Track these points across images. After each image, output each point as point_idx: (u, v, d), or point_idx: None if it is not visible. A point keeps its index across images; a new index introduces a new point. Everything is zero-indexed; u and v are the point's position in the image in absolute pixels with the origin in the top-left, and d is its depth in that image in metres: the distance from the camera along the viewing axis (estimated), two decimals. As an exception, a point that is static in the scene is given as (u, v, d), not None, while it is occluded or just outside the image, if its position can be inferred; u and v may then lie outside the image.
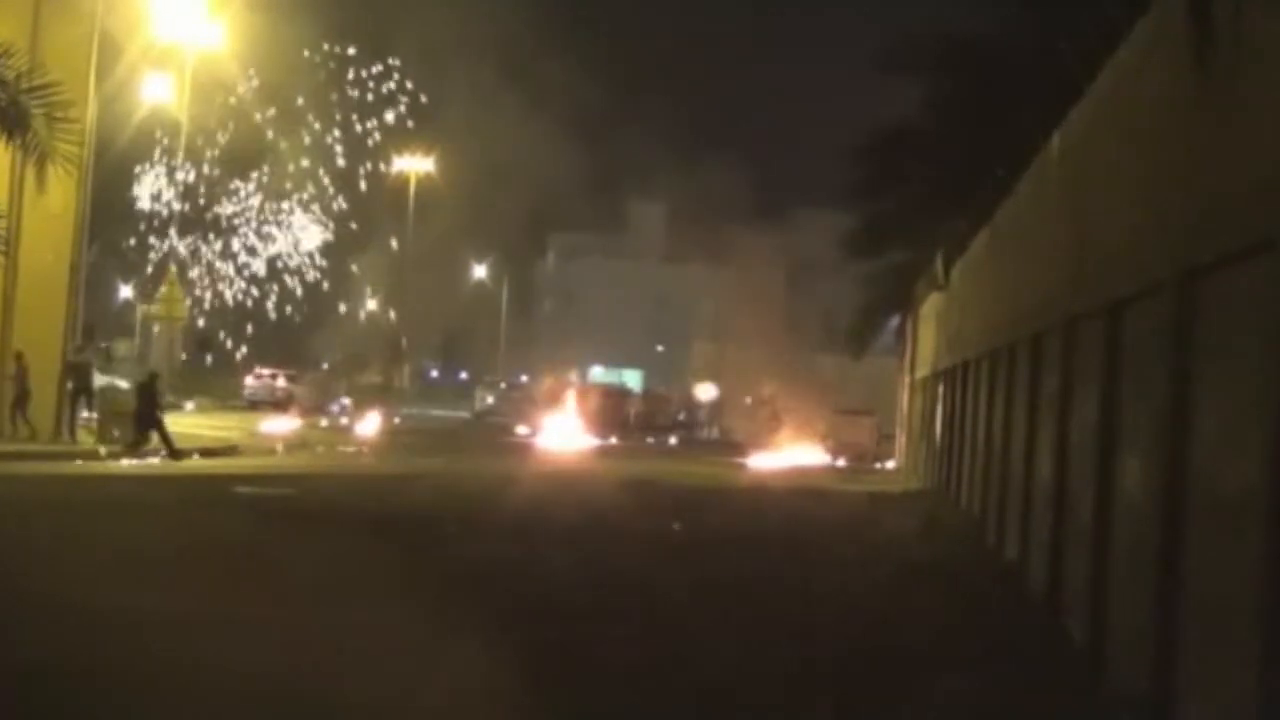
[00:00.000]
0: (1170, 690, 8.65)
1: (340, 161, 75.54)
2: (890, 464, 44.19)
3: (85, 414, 32.44)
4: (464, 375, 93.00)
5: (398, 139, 76.16)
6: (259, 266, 75.90)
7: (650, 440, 55.00)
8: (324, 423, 52.52)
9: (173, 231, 61.59)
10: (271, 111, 70.47)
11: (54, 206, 28.72)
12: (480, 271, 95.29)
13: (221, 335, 74.00)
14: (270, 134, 72.34)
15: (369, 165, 76.90)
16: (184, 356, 46.01)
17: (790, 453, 44.77)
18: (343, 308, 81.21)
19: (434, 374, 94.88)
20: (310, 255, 76.49)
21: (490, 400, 73.99)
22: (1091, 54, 13.06)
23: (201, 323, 72.12)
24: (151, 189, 70.68)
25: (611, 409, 59.91)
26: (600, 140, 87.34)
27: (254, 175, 73.81)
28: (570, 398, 58.83)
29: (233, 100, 66.07)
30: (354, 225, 77.47)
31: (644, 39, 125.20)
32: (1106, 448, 11.10)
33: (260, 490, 23.42)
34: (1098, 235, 12.18)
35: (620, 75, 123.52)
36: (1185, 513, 8.69)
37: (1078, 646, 11.52)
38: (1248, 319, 7.61)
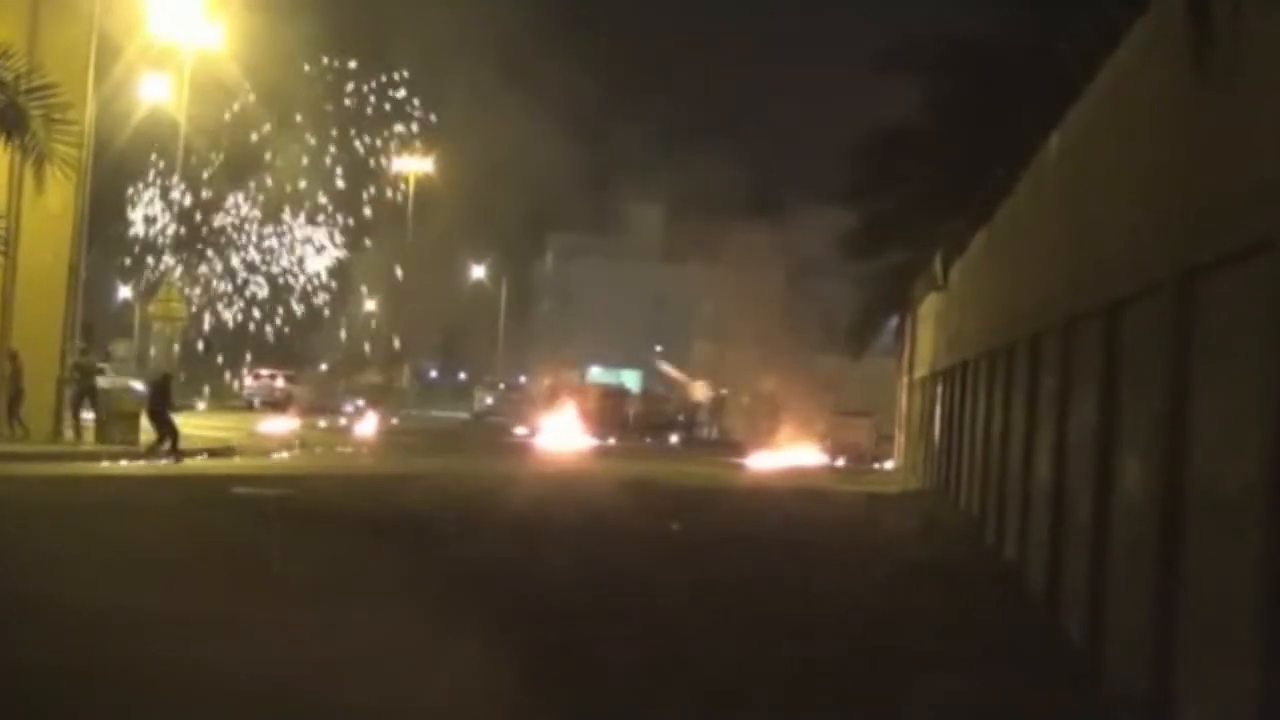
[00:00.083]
0: (1169, 690, 8.65)
1: (340, 183, 74.18)
2: (889, 464, 44.19)
3: (87, 415, 32.49)
4: (463, 376, 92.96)
5: (398, 141, 76.18)
6: (261, 284, 74.04)
7: (649, 440, 54.98)
8: (322, 423, 52.51)
9: (167, 257, 60.83)
10: (267, 127, 69.57)
11: (53, 207, 28.72)
12: (479, 272, 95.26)
13: (220, 359, 72.76)
14: (269, 154, 71.21)
15: (372, 189, 75.52)
16: (176, 348, 45.03)
17: (789, 453, 44.76)
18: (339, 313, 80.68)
19: (433, 374, 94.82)
20: (317, 275, 74.56)
21: (489, 401, 73.99)
22: (1091, 54, 13.06)
23: (201, 346, 70.48)
24: (146, 211, 68.97)
25: (610, 409, 59.91)
26: (599, 140, 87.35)
27: (252, 187, 72.55)
28: (569, 398, 58.83)
29: (227, 116, 65.29)
30: (367, 242, 76.10)
31: (643, 39, 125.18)
32: (1105, 447, 11.10)
33: (259, 491, 23.39)
34: (1096, 235, 12.18)
35: (619, 75, 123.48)
36: (1184, 513, 8.69)
37: (1077, 646, 11.52)
38: (1247, 319, 7.61)
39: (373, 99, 75.66)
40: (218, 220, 72.30)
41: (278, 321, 73.69)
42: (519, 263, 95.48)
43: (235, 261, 73.69)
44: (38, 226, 29.68)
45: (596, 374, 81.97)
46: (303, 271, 74.63)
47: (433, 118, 76.20)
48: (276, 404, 59.21)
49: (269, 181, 72.59)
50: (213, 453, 32.29)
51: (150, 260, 69.14)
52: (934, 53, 21.51)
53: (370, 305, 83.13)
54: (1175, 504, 8.81)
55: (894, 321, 44.21)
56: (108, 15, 32.80)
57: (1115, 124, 11.72)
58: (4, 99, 22.69)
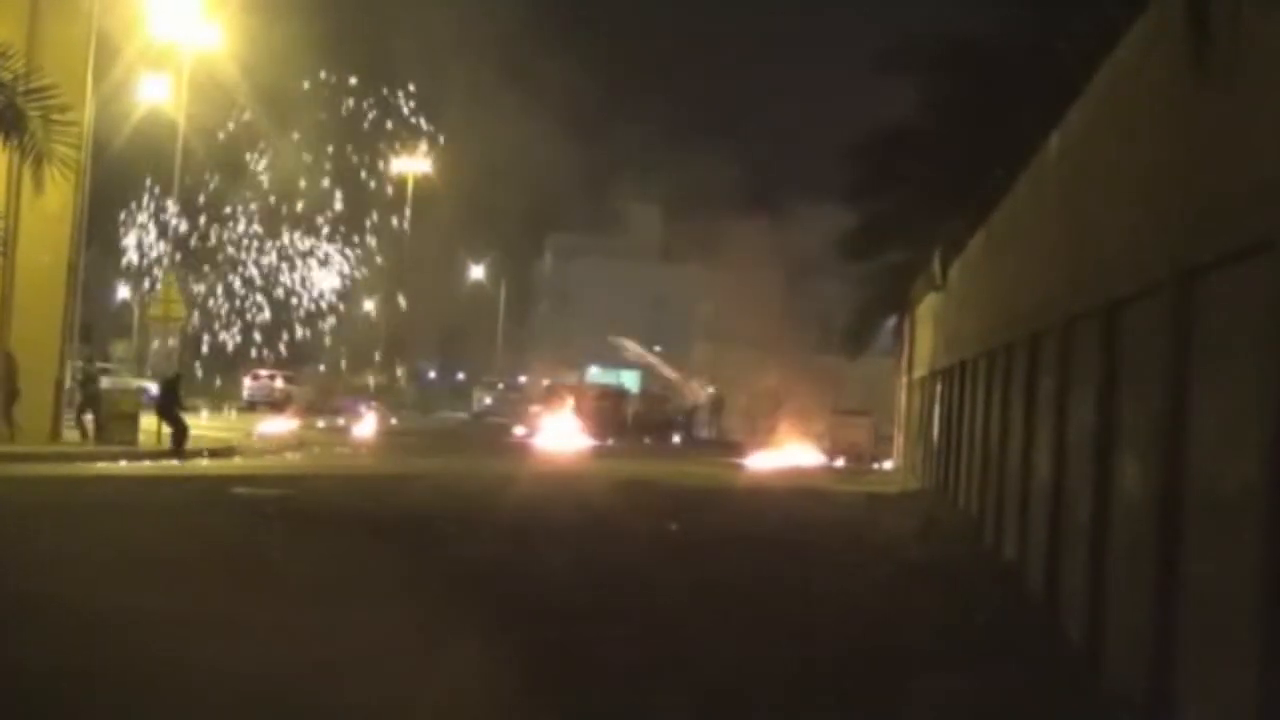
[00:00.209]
0: (1168, 690, 8.65)
1: (340, 198, 72.77)
2: (887, 464, 44.20)
3: (88, 417, 32.63)
4: (461, 376, 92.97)
5: (396, 141, 76.00)
6: (261, 304, 72.15)
7: (647, 440, 54.95)
8: (321, 423, 52.51)
9: (164, 264, 59.87)
10: (261, 146, 68.36)
11: (51, 207, 28.71)
12: (478, 272, 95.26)
13: (218, 383, 71.16)
14: (264, 159, 69.97)
15: (374, 216, 74.04)
16: (172, 343, 44.19)
17: (788, 453, 44.76)
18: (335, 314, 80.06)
19: (431, 375, 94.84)
20: (322, 295, 72.69)
21: (488, 401, 73.99)
22: (1090, 54, 13.06)
23: (200, 372, 68.92)
24: (139, 234, 67.13)
25: (609, 410, 59.90)
26: (598, 140, 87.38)
27: (247, 195, 70.97)
28: (567, 398, 58.83)
29: (222, 136, 64.38)
30: (378, 259, 74.73)
31: (642, 39, 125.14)
32: (1104, 447, 11.10)
33: (258, 491, 23.41)
34: (1096, 235, 12.18)
35: (619, 75, 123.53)
36: (1183, 512, 8.69)
37: (1076, 646, 11.52)
38: (1246, 319, 7.61)
39: (373, 113, 74.60)
40: (215, 237, 70.40)
41: (280, 348, 71.82)
42: (518, 263, 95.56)
43: (234, 281, 71.63)
44: (36, 227, 29.68)
45: (595, 374, 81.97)
46: (306, 289, 72.61)
47: (424, 124, 75.58)
48: (276, 404, 59.20)
49: (271, 199, 71.20)
50: (213, 453, 32.32)
51: (146, 284, 67.61)
52: (933, 53, 21.54)
53: (369, 305, 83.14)
54: (1174, 504, 8.81)
55: (893, 321, 44.22)
56: (106, 15, 32.80)
57: (1114, 123, 11.72)
58: (3, 99, 22.69)
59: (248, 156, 68.39)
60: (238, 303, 71.99)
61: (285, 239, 71.38)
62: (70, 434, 31.86)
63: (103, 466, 27.87)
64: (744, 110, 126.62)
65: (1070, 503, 12.54)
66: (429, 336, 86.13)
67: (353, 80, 72.44)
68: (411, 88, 74.63)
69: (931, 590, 15.43)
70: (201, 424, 40.88)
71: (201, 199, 67.07)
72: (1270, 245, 7.02)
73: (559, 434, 49.84)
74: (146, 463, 29.62)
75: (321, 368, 77.74)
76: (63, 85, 24.46)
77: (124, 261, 67.10)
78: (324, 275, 72.86)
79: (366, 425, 49.97)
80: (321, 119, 72.08)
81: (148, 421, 33.10)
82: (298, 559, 15.56)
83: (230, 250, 71.21)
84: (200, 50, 43.44)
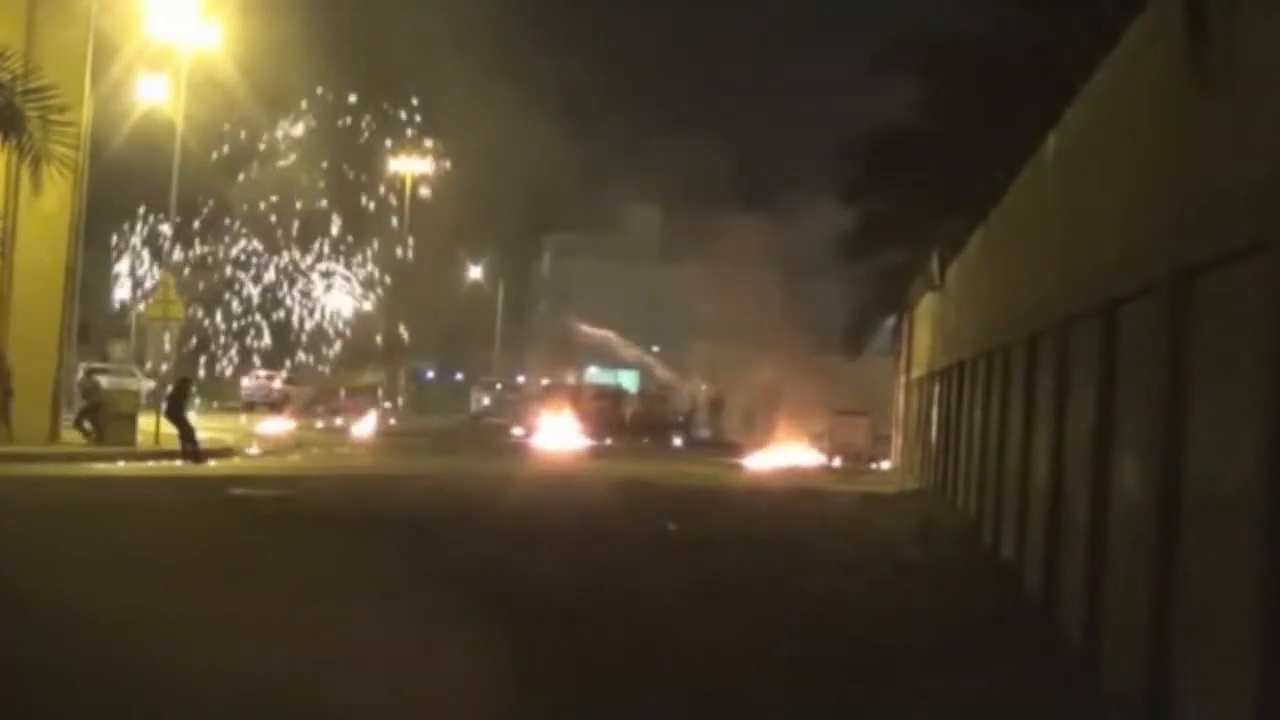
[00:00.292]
0: (1167, 690, 8.66)
1: (336, 227, 70.95)
2: (885, 464, 44.21)
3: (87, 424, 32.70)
4: (459, 376, 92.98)
5: (393, 140, 75.81)
6: (261, 327, 69.98)
7: (646, 440, 54.93)
8: (319, 424, 52.52)
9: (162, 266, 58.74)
10: (254, 169, 66.91)
11: (49, 208, 28.72)
12: (476, 273, 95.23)
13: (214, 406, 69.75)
14: (263, 194, 68.38)
15: (375, 244, 72.30)
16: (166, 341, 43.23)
17: (786, 453, 44.76)
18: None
19: (429, 375, 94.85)
20: (335, 315, 70.49)
21: (486, 401, 74.01)
22: (1087, 54, 13.06)
23: (196, 398, 66.35)
24: (131, 261, 65.26)
25: (607, 410, 59.91)
26: (596, 141, 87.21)
27: (242, 215, 68.88)
28: (565, 399, 58.82)
29: (215, 157, 63.47)
30: (387, 279, 73.12)
31: (641, 39, 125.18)
32: (1102, 447, 11.10)
33: (256, 491, 23.42)
34: (1094, 235, 12.19)
35: (616, 76, 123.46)
36: (1181, 512, 8.69)
37: (1074, 646, 11.52)
38: (1243, 319, 7.62)
39: (369, 131, 73.29)
40: (210, 252, 68.18)
41: (284, 375, 69.87)
42: (516, 263, 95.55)
43: (233, 301, 69.48)
44: (34, 227, 29.69)
45: (594, 374, 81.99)
46: (308, 308, 70.34)
47: (420, 123, 75.01)
48: (274, 405, 59.18)
49: (272, 217, 69.39)
50: (211, 453, 32.31)
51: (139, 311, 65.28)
52: (931, 52, 21.51)
53: (367, 306, 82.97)
54: (1172, 503, 8.81)
55: (891, 321, 44.24)
56: (104, 16, 32.80)
57: (1112, 123, 11.73)
58: (1, 99, 22.70)
59: (241, 176, 67.04)
60: (235, 325, 70.08)
61: (285, 256, 69.53)
62: (68, 434, 31.85)
63: (101, 467, 27.87)
64: (742, 109, 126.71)
65: (1068, 502, 12.55)
66: (428, 337, 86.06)
67: (351, 98, 71.41)
68: (414, 101, 73.75)
69: (930, 590, 15.44)
70: (199, 424, 40.86)
71: (196, 224, 65.07)
72: (1266, 245, 7.03)
73: (557, 434, 49.85)
74: (149, 463, 29.67)
75: (320, 368, 77.60)
76: (61, 86, 24.46)
77: (114, 298, 64.87)
78: (331, 297, 71.01)
79: (365, 425, 49.96)
80: (317, 130, 71.31)
81: (146, 422, 33.14)
82: (296, 559, 15.56)
83: (228, 270, 69.23)
84: (198, 51, 43.39)
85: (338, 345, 71.51)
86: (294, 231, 69.11)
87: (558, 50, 73.46)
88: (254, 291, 70.57)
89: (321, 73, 71.60)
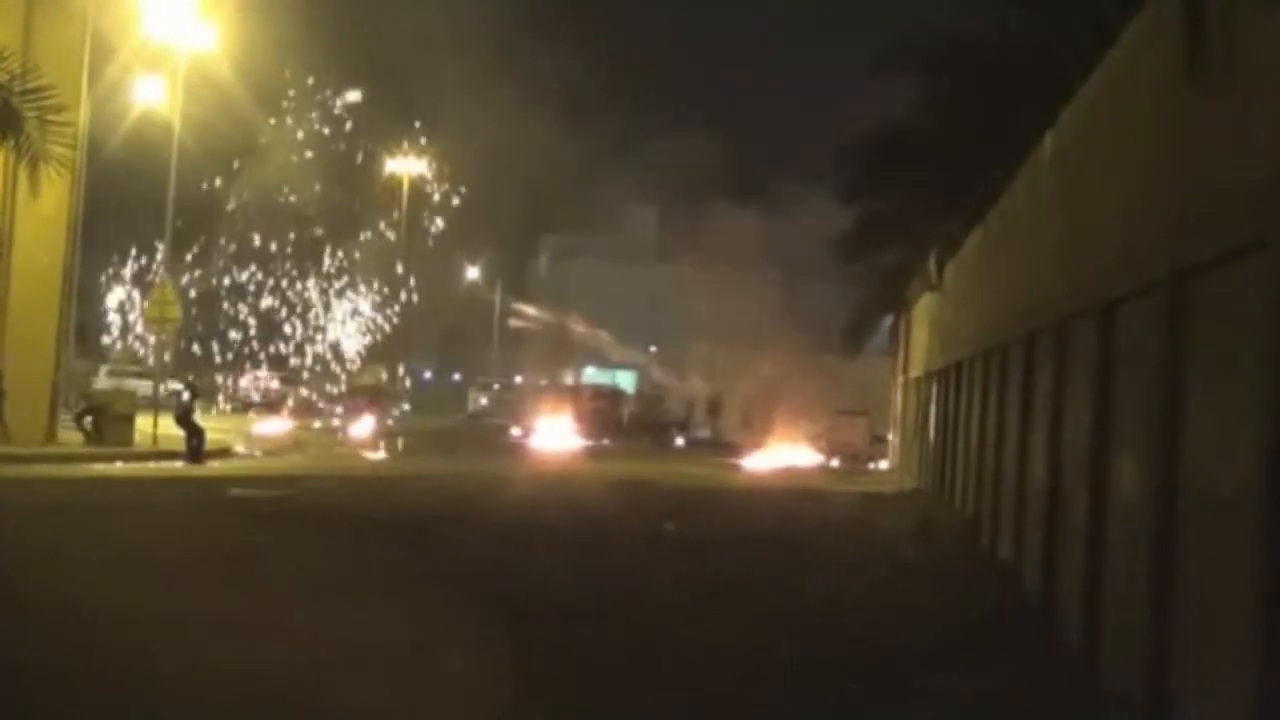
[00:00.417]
0: (1165, 690, 8.67)
1: (332, 256, 68.94)
2: (883, 464, 44.22)
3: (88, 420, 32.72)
4: (457, 376, 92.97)
5: (390, 140, 75.53)
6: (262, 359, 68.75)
7: (646, 440, 54.90)
8: (318, 424, 52.51)
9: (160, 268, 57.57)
10: (245, 196, 65.56)
11: (47, 209, 28.72)
12: (473, 273, 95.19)
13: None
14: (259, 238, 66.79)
15: (374, 286, 70.44)
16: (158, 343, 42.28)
17: (784, 453, 44.77)
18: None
19: (427, 375, 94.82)
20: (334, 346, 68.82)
21: (484, 401, 73.96)
22: (1085, 53, 13.07)
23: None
24: (121, 298, 63.50)
25: (605, 410, 59.91)
26: (593, 141, 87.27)
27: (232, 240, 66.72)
28: (563, 399, 58.82)
29: (204, 185, 62.48)
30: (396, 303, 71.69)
31: (640, 38, 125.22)
32: (1101, 447, 11.11)
33: (255, 492, 23.42)
34: (1091, 234, 12.19)
35: (614, 76, 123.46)
36: (1180, 512, 8.70)
37: (1073, 646, 11.53)
38: (1241, 318, 7.63)
39: (363, 152, 71.96)
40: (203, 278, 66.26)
41: (282, 376, 68.39)
42: (514, 264, 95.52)
43: (230, 332, 66.41)
44: (32, 228, 29.68)
45: (591, 374, 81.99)
46: (307, 336, 68.28)
47: (422, 141, 74.40)
48: (272, 405, 59.11)
49: (272, 245, 67.76)
50: (210, 454, 32.30)
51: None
52: (930, 52, 21.53)
53: (364, 307, 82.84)
54: (1171, 503, 8.82)
55: (889, 321, 44.25)
56: (102, 16, 32.77)
57: (1111, 123, 11.74)
58: (-1, 100, 22.72)
59: (232, 203, 65.77)
60: (229, 355, 68.65)
61: (286, 283, 67.67)
62: (66, 435, 31.83)
63: (99, 468, 27.87)
64: (741, 109, 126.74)
65: (1067, 502, 12.55)
66: (426, 338, 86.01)
67: (343, 100, 70.60)
68: (417, 122, 72.97)
69: (928, 590, 15.44)
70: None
71: (191, 255, 63.25)
72: (1264, 245, 7.04)
73: (555, 434, 49.85)
74: (148, 464, 29.67)
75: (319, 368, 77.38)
76: (58, 86, 24.47)
77: (106, 330, 63.09)
78: (334, 327, 69.16)
79: (363, 426, 49.94)
80: (310, 130, 70.47)
81: (143, 423, 33.14)
82: (295, 560, 15.56)
83: (224, 304, 67.37)
84: (196, 51, 43.37)
85: (342, 377, 69.77)
86: (288, 248, 67.79)
87: (556, 50, 73.41)
88: (252, 322, 68.73)
89: (319, 73, 71.53)
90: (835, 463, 44.67)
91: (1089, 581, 11.07)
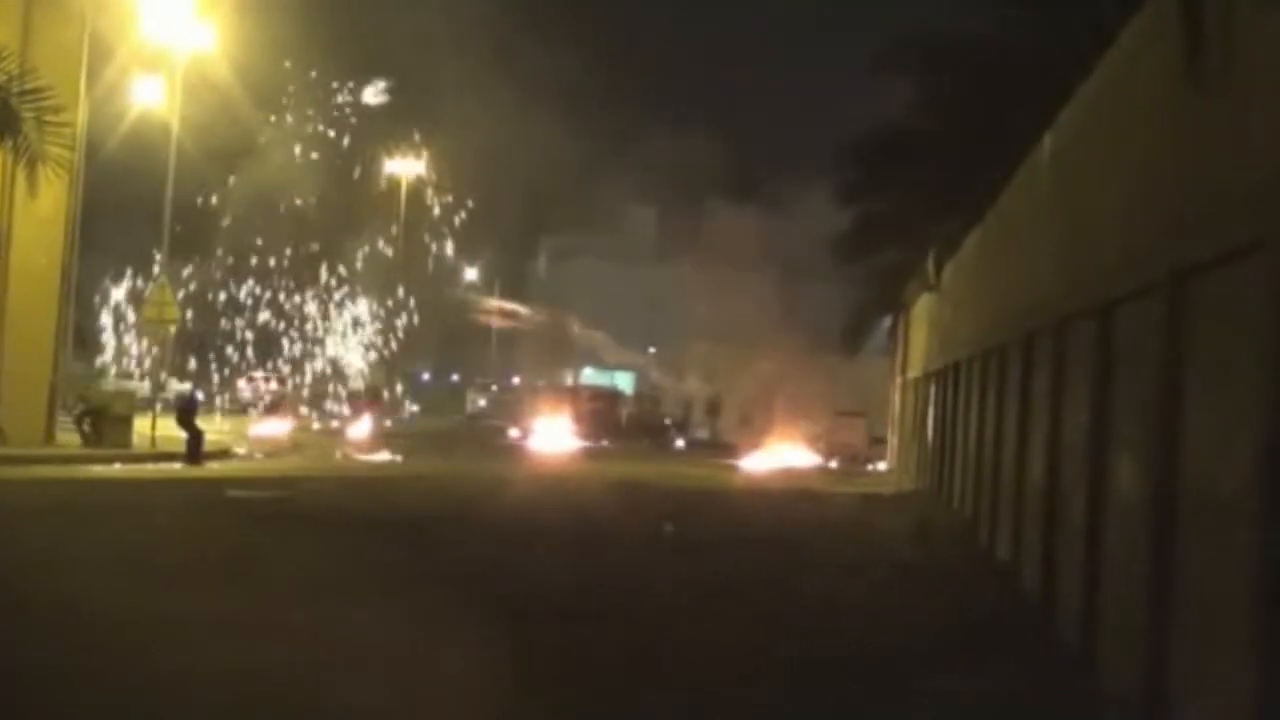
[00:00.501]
0: (1164, 690, 8.67)
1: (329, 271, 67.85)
2: (882, 465, 44.23)
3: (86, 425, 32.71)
4: (456, 378, 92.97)
5: (388, 141, 75.40)
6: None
7: (645, 442, 54.91)
8: (316, 425, 52.49)
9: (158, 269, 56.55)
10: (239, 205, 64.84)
11: (45, 210, 28.71)
12: (471, 274, 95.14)
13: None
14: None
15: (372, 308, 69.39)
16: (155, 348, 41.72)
17: (782, 454, 44.79)
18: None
19: (425, 377, 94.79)
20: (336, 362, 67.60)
21: (482, 403, 74.00)
22: (1084, 54, 13.08)
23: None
24: (114, 320, 62.51)
25: (603, 411, 59.93)
26: (593, 142, 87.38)
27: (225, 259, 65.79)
28: (561, 400, 58.83)
29: (197, 202, 61.92)
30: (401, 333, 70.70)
31: (639, 39, 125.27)
32: (1098, 448, 11.11)
33: (253, 493, 23.41)
34: (1090, 235, 12.20)
35: (613, 76, 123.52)
36: (1178, 512, 8.70)
37: (1071, 646, 11.53)
38: (1239, 319, 7.63)
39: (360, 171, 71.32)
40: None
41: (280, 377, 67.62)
42: (512, 265, 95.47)
43: (228, 349, 67.08)
44: (30, 229, 29.67)
45: (589, 375, 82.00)
46: (307, 351, 67.16)
47: (418, 137, 74.04)
48: (270, 407, 59.06)
49: (270, 260, 66.97)
50: (208, 456, 32.30)
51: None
52: (928, 53, 21.53)
53: (365, 315, 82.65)
54: (1169, 503, 8.82)
55: (888, 322, 44.27)
56: (100, 17, 32.76)
57: (1110, 123, 11.74)
58: (-3, 100, 22.71)
59: (226, 221, 65.01)
60: (227, 371, 67.80)
61: (284, 296, 66.73)
62: (64, 437, 31.83)
63: (98, 469, 27.85)
64: (741, 110, 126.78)
65: (1065, 503, 12.55)
66: (424, 339, 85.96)
67: (352, 118, 70.05)
68: (417, 121, 72.53)
69: (927, 591, 15.45)
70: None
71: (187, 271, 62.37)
72: (1262, 245, 7.04)
73: (553, 436, 49.87)
74: (146, 465, 29.66)
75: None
76: (56, 86, 24.48)
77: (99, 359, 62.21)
78: (335, 341, 68.08)
79: (361, 427, 49.92)
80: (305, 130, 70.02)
81: (141, 425, 33.14)
82: (293, 561, 15.55)
83: (222, 322, 66.52)
84: (194, 52, 43.37)
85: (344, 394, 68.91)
86: (285, 261, 66.96)
87: (555, 50, 73.43)
88: (249, 336, 67.82)
89: (316, 73, 71.38)
90: (834, 464, 44.71)
91: (1087, 582, 11.07)
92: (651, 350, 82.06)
